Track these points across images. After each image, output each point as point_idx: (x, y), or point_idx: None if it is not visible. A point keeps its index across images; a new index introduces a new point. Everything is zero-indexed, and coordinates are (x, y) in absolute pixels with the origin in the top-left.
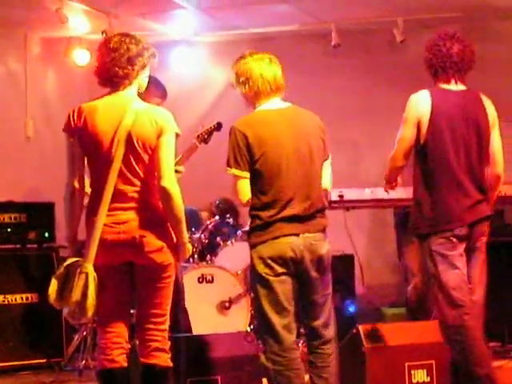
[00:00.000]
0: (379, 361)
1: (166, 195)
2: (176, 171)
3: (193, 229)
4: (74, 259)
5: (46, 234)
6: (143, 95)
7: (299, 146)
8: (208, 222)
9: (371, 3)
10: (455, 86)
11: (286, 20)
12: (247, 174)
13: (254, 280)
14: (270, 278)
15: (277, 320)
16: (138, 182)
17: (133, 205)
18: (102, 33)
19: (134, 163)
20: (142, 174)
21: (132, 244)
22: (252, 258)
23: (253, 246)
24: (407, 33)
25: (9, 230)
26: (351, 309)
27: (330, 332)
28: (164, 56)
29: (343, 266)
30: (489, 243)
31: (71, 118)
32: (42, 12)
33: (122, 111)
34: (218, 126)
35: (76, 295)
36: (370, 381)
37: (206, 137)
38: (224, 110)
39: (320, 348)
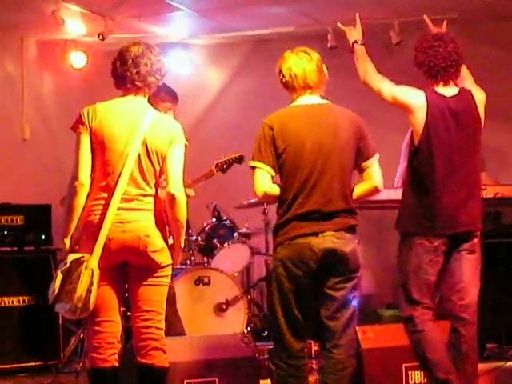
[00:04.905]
0: (376, 362)
1: (173, 201)
2: (186, 195)
3: (190, 231)
4: (78, 255)
5: (43, 237)
6: (153, 100)
7: (323, 143)
8: (205, 224)
9: (367, 5)
10: (450, 90)
11: (282, 22)
12: (267, 168)
13: (272, 281)
14: (286, 284)
15: (285, 326)
16: (144, 186)
17: (137, 206)
18: (99, 35)
19: (144, 168)
20: (149, 179)
21: (135, 243)
22: (273, 259)
23: (274, 248)
24: (403, 34)
25: (5, 232)
26: None
27: (345, 338)
28: None
29: None
30: (486, 244)
31: (85, 116)
32: (37, 15)
33: (138, 116)
34: (240, 158)
35: (81, 290)
36: (367, 382)
37: (224, 166)
38: (220, 113)
39: (331, 351)
